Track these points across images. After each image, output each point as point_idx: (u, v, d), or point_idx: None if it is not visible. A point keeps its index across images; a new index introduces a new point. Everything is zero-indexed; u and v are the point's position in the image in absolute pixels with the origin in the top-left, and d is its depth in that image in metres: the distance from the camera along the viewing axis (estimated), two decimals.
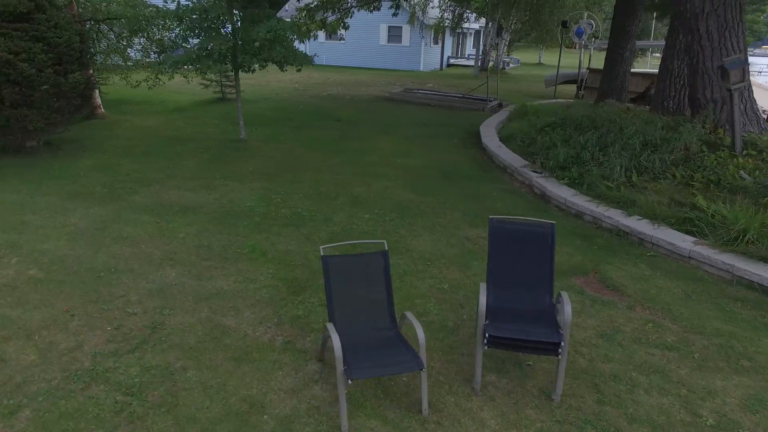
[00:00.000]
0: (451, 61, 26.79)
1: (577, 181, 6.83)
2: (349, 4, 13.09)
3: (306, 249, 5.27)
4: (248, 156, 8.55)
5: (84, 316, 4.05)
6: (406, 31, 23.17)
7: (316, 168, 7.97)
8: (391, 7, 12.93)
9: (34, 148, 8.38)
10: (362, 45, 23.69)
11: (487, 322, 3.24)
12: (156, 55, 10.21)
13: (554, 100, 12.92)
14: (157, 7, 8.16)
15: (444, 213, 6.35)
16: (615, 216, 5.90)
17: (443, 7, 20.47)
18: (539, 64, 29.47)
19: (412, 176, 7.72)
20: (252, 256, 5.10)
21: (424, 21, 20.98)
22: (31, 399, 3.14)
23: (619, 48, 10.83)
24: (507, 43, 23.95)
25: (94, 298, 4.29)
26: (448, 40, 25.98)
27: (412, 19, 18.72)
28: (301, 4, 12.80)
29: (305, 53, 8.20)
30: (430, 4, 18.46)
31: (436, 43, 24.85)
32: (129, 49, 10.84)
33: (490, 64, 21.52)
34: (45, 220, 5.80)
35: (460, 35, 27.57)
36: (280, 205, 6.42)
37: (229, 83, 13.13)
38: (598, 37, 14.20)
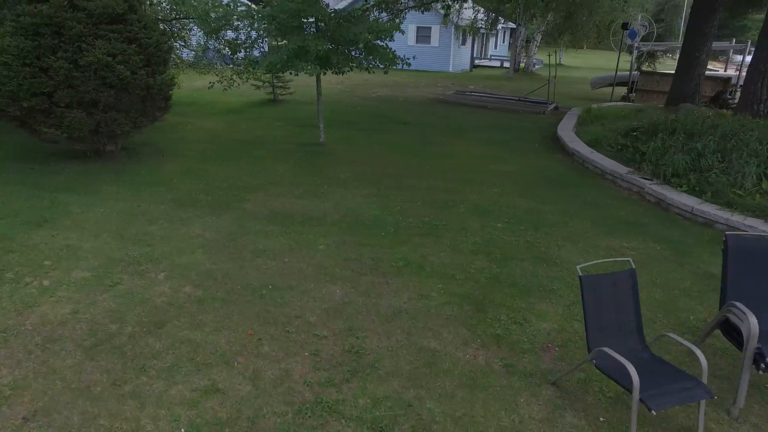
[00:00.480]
0: (476, 62, 26.65)
1: (696, 189, 6.66)
2: (402, 5, 12.80)
3: (460, 261, 5.00)
4: (336, 161, 8.26)
5: (270, 339, 3.76)
6: (436, 31, 22.92)
7: (413, 174, 7.68)
8: (443, 7, 12.67)
9: (113, 152, 8.02)
10: (390, 45, 23.25)
11: (759, 345, 3.03)
12: (218, 57, 9.85)
13: (612, 103, 12.78)
14: (248, 5, 7.83)
15: (572, 222, 6.12)
16: (757, 225, 5.73)
17: (476, 8, 20.23)
18: (559, 64, 29.42)
19: (517, 183, 7.47)
20: (409, 269, 4.83)
21: (458, 22, 20.75)
22: None
23: (695, 50, 10.61)
24: (538, 45, 23.91)
25: (269, 319, 4.00)
26: (468, 41, 25.84)
27: (446, 19, 18.45)
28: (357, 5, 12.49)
29: (397, 55, 7.90)
30: (465, 4, 18.21)
31: (463, 43, 24.70)
32: (183, 50, 10.48)
33: (521, 65, 21.44)
34: (166, 230, 5.48)
35: (484, 36, 27.47)
36: (403, 213, 6.13)
37: (280, 84, 12.81)
38: (652, 39, 14.07)
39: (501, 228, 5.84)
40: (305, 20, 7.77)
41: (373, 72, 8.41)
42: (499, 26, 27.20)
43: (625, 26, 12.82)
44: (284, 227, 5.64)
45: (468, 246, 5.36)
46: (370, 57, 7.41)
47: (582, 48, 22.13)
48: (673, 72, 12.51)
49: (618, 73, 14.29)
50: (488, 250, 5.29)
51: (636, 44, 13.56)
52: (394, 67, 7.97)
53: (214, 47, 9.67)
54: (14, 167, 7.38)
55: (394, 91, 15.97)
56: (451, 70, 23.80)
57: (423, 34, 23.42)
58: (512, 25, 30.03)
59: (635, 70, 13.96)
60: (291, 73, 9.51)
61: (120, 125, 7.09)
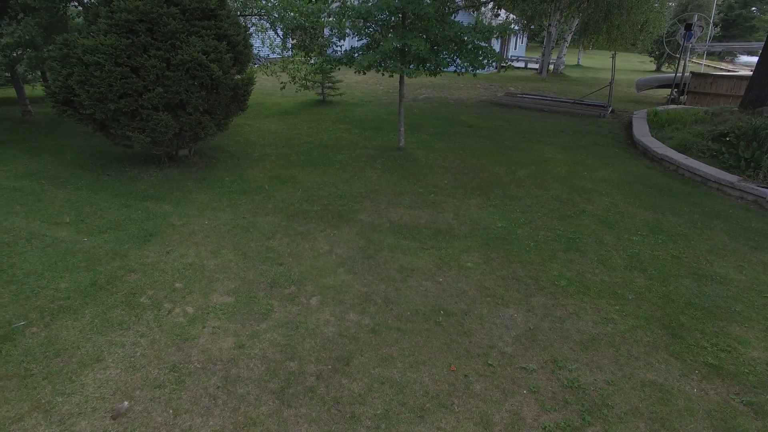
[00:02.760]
0: (497, 65, 26.26)
1: None
2: (456, 5, 12.38)
3: (619, 278, 4.58)
4: (425, 167, 7.79)
5: (477, 376, 3.33)
6: None
7: (512, 182, 7.24)
8: (494, 7, 12.30)
9: (187, 157, 7.52)
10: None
11: None
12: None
13: (670, 107, 12.49)
14: (343, 2, 7.37)
15: (705, 234, 5.74)
16: None
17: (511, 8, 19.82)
18: (578, 65, 29.25)
19: (622, 191, 7.05)
20: (574, 289, 4.42)
21: (493, 22, 20.25)
22: None
23: None
24: (567, 45, 23.66)
25: (462, 351, 3.55)
26: (495, 42, 25.48)
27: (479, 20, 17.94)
28: None
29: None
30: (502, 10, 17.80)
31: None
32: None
33: (550, 67, 21.17)
34: (290, 246, 5.01)
35: (508, 37, 27.11)
36: (530, 225, 5.70)
37: (329, 85, 12.33)
38: (709, 40, 13.78)
39: (638, 241, 5.45)
40: (394, 17, 7.34)
41: (461, 74, 7.99)
42: (516, 27, 26.94)
43: (689, 27, 12.51)
44: (417, 242, 5.20)
45: (617, 261, 4.96)
46: (475, 57, 6.97)
47: (614, 50, 21.74)
48: (727, 73, 12.26)
49: (665, 75, 14.00)
50: (641, 267, 4.90)
51: (691, 45, 13.29)
52: (484, 69, 7.58)
53: (290, 45, 9.16)
54: (88, 174, 6.85)
55: (439, 93, 15.49)
56: (479, 71, 23.37)
57: None
58: (531, 25, 29.84)
59: (687, 72, 13.69)
60: (339, 70, 9.11)
61: (205, 128, 6.60)
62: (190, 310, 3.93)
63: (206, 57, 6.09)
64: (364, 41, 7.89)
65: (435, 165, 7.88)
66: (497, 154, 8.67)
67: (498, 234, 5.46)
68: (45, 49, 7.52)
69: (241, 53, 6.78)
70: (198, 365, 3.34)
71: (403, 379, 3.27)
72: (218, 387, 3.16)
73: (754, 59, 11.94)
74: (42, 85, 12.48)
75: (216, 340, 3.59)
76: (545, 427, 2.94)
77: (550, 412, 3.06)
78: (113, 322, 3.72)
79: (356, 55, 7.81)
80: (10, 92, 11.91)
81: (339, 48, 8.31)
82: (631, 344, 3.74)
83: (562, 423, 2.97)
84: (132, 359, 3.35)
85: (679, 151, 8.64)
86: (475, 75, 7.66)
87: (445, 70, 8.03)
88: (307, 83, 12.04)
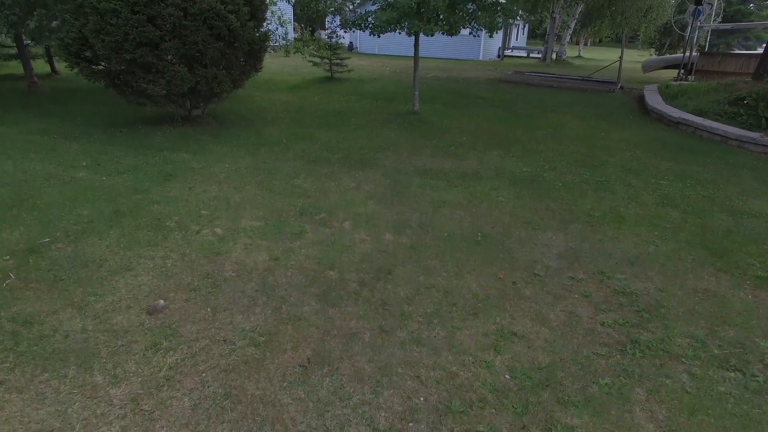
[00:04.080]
0: (500, 52, 26.32)
1: None
2: None
3: (652, 212, 4.47)
4: (441, 128, 7.66)
5: (525, 283, 3.18)
6: None
7: (531, 141, 7.12)
8: None
9: (200, 117, 7.39)
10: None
11: None
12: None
13: (680, 82, 12.46)
14: None
15: (733, 180, 5.59)
16: None
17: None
18: (579, 56, 29.28)
19: (643, 148, 6.92)
20: (609, 219, 4.26)
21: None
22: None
23: None
24: (571, 32, 23.72)
25: (505, 264, 3.40)
26: (498, 33, 25.54)
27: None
28: None
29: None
30: None
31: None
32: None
33: (553, 56, 21.19)
34: (316, 184, 4.85)
35: (510, 27, 27.17)
36: (556, 171, 5.57)
37: (338, 61, 12.24)
38: (711, 21, 13.73)
39: (666, 185, 5.34)
40: None
41: (476, 36, 7.88)
42: (518, 20, 26.99)
43: (699, 2, 12.49)
44: (446, 182, 5.08)
45: (649, 199, 4.86)
46: (493, 15, 6.86)
47: (625, 37, 21.32)
48: (735, 53, 12.24)
49: (673, 56, 13.99)
50: (673, 204, 4.79)
51: (699, 24, 13.26)
52: (499, 29, 7.46)
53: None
54: (100, 132, 6.68)
55: (446, 74, 15.37)
56: (481, 58, 23.37)
57: None
58: (531, 17, 29.87)
59: (695, 51, 13.67)
60: (351, 49, 9.04)
61: (221, 83, 6.48)
62: (219, 231, 3.79)
63: (224, 7, 6.01)
64: (379, 4, 7.80)
65: (452, 127, 7.78)
66: (512, 120, 8.57)
67: (524, 176, 5.35)
68: (57, 8, 7.43)
69: (257, 8, 6.68)
70: (232, 273, 3.20)
71: (450, 285, 3.14)
72: (256, 290, 3.02)
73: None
74: (46, 61, 12.46)
75: (249, 254, 3.44)
76: (603, 323, 2.82)
77: (606, 312, 2.94)
78: (140, 240, 3.58)
79: (370, 19, 7.73)
80: (16, 68, 11.79)
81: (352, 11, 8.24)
82: (677, 262, 3.63)
83: (620, 320, 2.85)
84: (163, 269, 3.21)
85: (696, 116, 8.61)
86: (491, 36, 7.61)
87: (461, 33, 7.91)
88: (316, 58, 11.97)
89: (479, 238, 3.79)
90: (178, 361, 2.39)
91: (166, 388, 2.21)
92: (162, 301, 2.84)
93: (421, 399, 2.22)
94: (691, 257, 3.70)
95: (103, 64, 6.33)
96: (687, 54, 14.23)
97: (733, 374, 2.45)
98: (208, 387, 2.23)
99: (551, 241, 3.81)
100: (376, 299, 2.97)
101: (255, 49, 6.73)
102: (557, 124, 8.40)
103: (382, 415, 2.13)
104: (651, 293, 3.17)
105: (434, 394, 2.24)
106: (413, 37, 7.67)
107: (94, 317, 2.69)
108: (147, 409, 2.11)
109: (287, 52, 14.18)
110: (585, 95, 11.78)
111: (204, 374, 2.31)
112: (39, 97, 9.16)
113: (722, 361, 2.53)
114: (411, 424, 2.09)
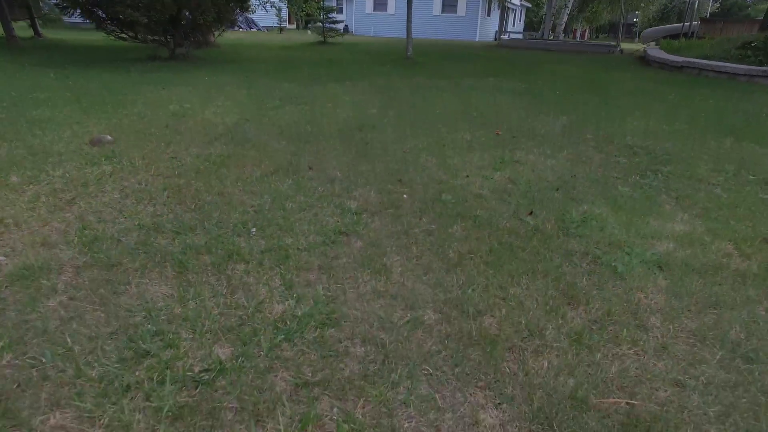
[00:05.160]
0: (497, 35, 26.04)
1: None
2: None
3: (674, 113, 4.17)
4: (436, 68, 7.26)
5: (528, 140, 2.83)
6: (463, 0, 22.34)
7: (526, 74, 6.91)
8: None
9: (184, 55, 7.02)
10: (412, 15, 22.18)
11: None
12: None
13: (681, 40, 12.17)
14: None
15: (750, 98, 5.29)
16: None
17: None
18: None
19: (646, 81, 6.67)
20: (622, 98, 3.98)
21: None
22: None
23: None
24: (569, 11, 23.53)
25: (502, 129, 3.10)
26: (495, 15, 25.26)
27: None
28: None
29: None
30: None
31: (488, 15, 24.09)
32: None
33: (551, 35, 20.97)
34: (309, 90, 4.45)
35: (507, 11, 26.95)
36: (553, 90, 5.39)
37: (331, 25, 11.89)
38: None
39: (676, 102, 4.94)
40: None
41: None
42: (519, 3, 26.75)
43: None
44: (439, 91, 4.68)
45: (659, 108, 4.50)
46: None
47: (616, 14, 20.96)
48: (737, 19, 11.96)
49: (672, 25, 13.76)
50: (685, 106, 4.45)
51: None
52: None
53: None
54: (80, 65, 6.30)
55: (442, 46, 15.12)
56: (477, 40, 23.17)
57: (449, 3, 22.55)
58: (528, 4, 29.67)
59: (695, 21, 13.44)
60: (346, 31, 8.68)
61: (204, 12, 6.12)
62: (187, 105, 3.37)
63: None
64: None
65: (446, 68, 7.39)
66: (509, 69, 8.14)
67: (522, 90, 4.98)
68: None
69: None
70: (197, 127, 2.82)
71: (453, 137, 2.78)
72: (220, 135, 2.62)
73: None
74: (29, 25, 12.09)
75: (218, 116, 3.03)
76: (618, 161, 2.45)
77: (619, 156, 2.57)
78: (96, 112, 3.19)
79: None
80: None
81: None
82: (693, 133, 3.24)
83: (636, 160, 2.48)
84: (117, 124, 2.80)
85: (701, 59, 8.29)
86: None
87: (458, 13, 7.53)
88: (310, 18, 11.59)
89: (475, 114, 3.44)
90: (116, 169, 2.03)
91: (93, 186, 1.86)
92: (109, 136, 2.47)
93: (405, 197, 1.87)
94: (710, 133, 3.34)
95: None
96: (687, 23, 13.99)
97: None
98: (146, 185, 1.87)
99: (559, 122, 3.45)
100: (357, 139, 2.61)
101: None
102: (559, 71, 8.03)
103: (354, 204, 1.78)
104: (668, 149, 2.81)
105: (420, 192, 1.90)
106: (418, 20, 7.25)
107: (30, 149, 2.32)
108: (66, 198, 1.74)
109: (281, 29, 13.83)
110: (584, 55, 11.46)
111: (143, 179, 1.94)
112: (20, 51, 8.82)
113: (761, 182, 2.19)
114: (390, 210, 1.72)
